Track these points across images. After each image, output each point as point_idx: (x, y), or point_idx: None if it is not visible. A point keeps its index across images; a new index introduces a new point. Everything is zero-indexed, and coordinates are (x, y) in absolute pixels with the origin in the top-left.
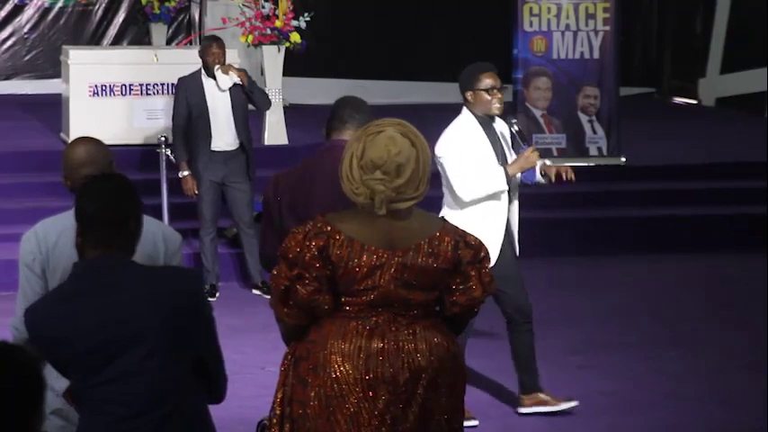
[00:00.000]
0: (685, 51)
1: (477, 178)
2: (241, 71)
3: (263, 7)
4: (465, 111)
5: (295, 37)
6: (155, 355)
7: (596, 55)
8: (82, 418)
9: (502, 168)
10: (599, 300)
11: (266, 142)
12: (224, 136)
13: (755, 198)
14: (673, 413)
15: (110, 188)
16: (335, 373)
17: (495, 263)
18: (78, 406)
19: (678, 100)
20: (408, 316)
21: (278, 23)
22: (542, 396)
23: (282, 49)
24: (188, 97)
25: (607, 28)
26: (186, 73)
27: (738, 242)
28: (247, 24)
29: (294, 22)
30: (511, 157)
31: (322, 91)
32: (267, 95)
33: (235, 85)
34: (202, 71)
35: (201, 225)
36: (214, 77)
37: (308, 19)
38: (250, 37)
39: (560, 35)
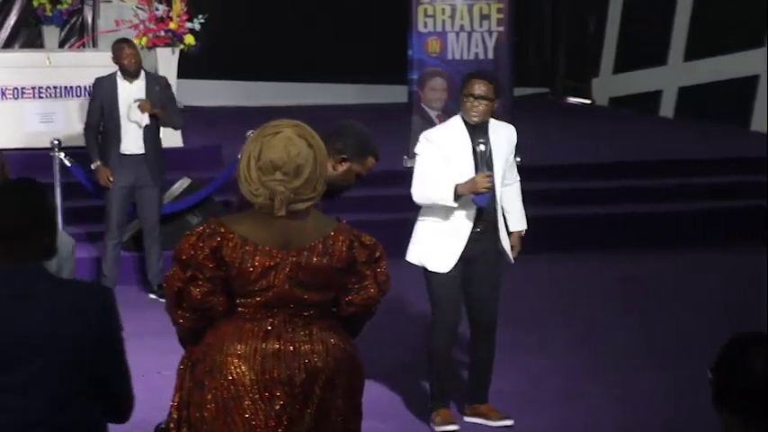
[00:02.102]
0: (579, 51)
1: (429, 183)
2: (155, 109)
3: (157, 9)
4: (458, 114)
5: (189, 39)
6: (52, 368)
7: (491, 55)
8: None
9: (454, 185)
10: None
11: (161, 145)
12: (135, 139)
13: (645, 196)
14: (573, 412)
15: (16, 198)
16: (232, 375)
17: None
18: None
19: (572, 100)
20: (304, 317)
21: (172, 25)
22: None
23: (177, 51)
24: (102, 98)
25: (501, 29)
26: (79, 76)
27: (628, 240)
28: (141, 26)
29: (188, 24)
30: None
31: (216, 93)
32: (180, 115)
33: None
34: (118, 73)
35: (107, 229)
36: (129, 80)
37: (202, 21)
38: (144, 39)
39: (455, 36)
